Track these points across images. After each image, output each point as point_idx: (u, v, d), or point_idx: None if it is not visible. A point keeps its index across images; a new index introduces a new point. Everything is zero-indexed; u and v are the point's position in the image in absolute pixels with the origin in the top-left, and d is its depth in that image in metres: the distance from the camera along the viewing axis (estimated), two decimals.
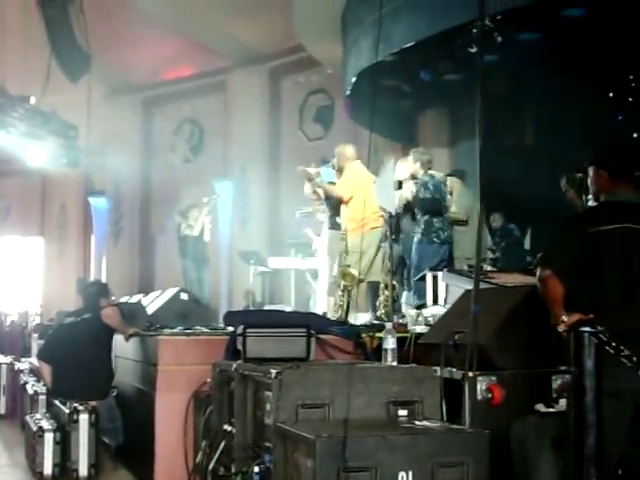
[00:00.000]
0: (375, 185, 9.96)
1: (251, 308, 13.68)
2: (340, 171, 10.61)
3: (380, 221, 10.02)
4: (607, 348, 4.01)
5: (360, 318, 9.22)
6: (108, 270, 23.93)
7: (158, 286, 17.86)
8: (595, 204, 5.04)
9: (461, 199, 11.30)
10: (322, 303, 11.69)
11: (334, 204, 10.76)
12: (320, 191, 10.91)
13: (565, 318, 4.55)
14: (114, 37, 18.39)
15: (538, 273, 4.77)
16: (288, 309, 12.04)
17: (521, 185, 12.44)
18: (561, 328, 4.53)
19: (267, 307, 13.72)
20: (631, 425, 4.50)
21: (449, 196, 10.88)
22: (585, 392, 4.04)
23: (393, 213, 9.48)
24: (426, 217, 10.29)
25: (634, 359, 4.08)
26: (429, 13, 11.43)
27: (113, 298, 9.62)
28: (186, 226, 15.73)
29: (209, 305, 14.47)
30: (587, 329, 4.12)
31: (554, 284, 4.66)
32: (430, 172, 10.55)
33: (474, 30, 4.35)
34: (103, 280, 20.87)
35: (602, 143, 5.25)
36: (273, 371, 4.58)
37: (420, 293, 9.73)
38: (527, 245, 13.74)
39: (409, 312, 7.64)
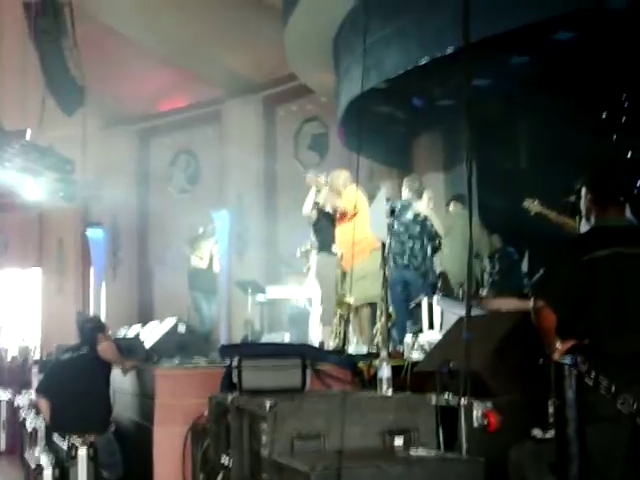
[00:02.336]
0: (369, 211, 9.98)
1: (250, 338, 13.64)
2: (339, 195, 10.64)
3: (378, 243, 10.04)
4: (585, 379, 4.01)
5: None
6: (107, 301, 23.89)
7: (157, 316, 17.81)
8: (585, 230, 5.06)
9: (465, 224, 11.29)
10: (315, 331, 11.67)
11: (325, 229, 10.80)
12: (317, 209, 10.90)
13: (559, 346, 4.55)
14: (108, 70, 18.43)
15: (531, 304, 4.78)
16: (287, 337, 12.01)
17: (517, 208, 12.45)
18: (556, 356, 4.53)
19: (266, 336, 13.69)
20: (629, 449, 4.49)
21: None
22: (567, 423, 4.03)
23: (386, 241, 9.49)
24: None
25: (612, 389, 4.07)
26: (420, 40, 11.46)
27: (110, 332, 9.60)
28: (197, 258, 15.55)
29: (211, 336, 14.42)
30: (567, 360, 4.12)
31: (547, 315, 4.67)
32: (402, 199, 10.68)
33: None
34: (102, 311, 20.92)
35: (596, 165, 5.26)
36: (267, 403, 4.57)
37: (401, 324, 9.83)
38: (525, 268, 13.73)
39: (405, 339, 7.63)
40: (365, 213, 9.93)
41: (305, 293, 13.40)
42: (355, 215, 10.10)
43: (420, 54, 11.53)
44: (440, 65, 11.21)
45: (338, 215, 10.56)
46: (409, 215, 10.54)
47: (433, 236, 10.71)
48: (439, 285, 10.96)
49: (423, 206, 10.74)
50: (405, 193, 10.83)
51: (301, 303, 14.16)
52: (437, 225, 10.70)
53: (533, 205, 9.29)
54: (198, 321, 14.88)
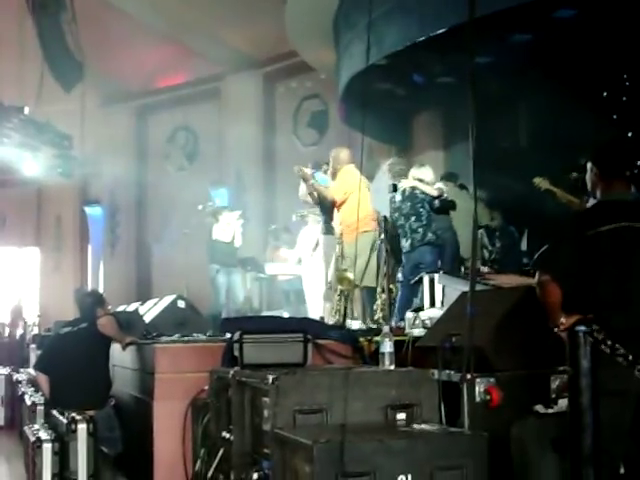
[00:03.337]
0: (371, 188, 9.97)
1: (248, 314, 13.60)
2: (334, 175, 10.60)
3: (373, 224, 10.02)
4: (602, 347, 3.99)
5: (352, 325, 9.18)
6: (105, 278, 23.93)
7: (155, 293, 17.83)
8: (591, 204, 5.04)
9: (457, 202, 11.30)
10: (315, 309, 11.67)
11: (327, 209, 10.77)
12: (314, 193, 10.87)
13: (564, 320, 4.53)
14: (107, 45, 18.36)
15: (536, 278, 4.76)
16: (286, 315, 12.01)
17: (517, 186, 12.44)
18: (560, 330, 4.52)
19: (265, 313, 13.67)
20: (633, 424, 4.49)
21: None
22: (581, 392, 4.01)
23: (388, 217, 9.47)
24: None
25: (630, 357, 4.06)
26: (421, 16, 11.42)
27: (110, 307, 9.57)
28: (219, 230, 15.27)
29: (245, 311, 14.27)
30: (582, 328, 4.10)
31: (552, 288, 4.65)
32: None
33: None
34: (100, 289, 20.88)
35: (598, 143, 5.24)
36: (270, 377, 4.56)
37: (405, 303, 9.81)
38: (524, 246, 13.74)
39: (406, 315, 7.62)
40: (358, 194, 9.94)
41: (302, 270, 13.42)
42: (344, 202, 10.14)
43: (420, 30, 11.50)
44: (440, 42, 11.18)
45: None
46: (397, 197, 10.53)
47: (429, 200, 10.63)
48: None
49: (406, 182, 10.69)
50: (389, 177, 10.80)
51: (290, 278, 14.21)
52: (426, 189, 10.63)
53: (543, 182, 9.64)
54: (214, 296, 14.79)
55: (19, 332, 19.79)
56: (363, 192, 9.92)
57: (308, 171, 10.67)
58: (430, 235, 10.42)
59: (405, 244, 10.40)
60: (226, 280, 14.86)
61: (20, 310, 22.91)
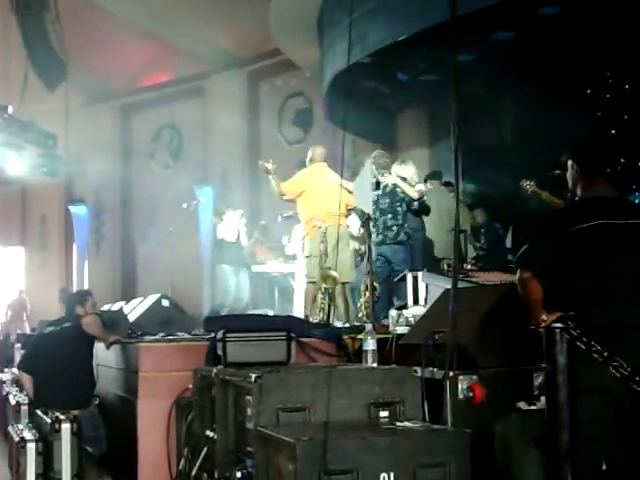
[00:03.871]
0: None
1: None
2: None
3: (334, 219, 9.96)
4: (578, 344, 4.00)
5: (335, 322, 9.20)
6: (90, 278, 23.86)
7: (140, 292, 17.81)
8: (573, 201, 5.05)
9: (441, 200, 11.34)
10: (301, 306, 11.66)
11: None
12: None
13: (545, 317, 4.53)
14: (91, 44, 18.33)
15: (517, 275, 4.76)
16: (271, 313, 11.99)
17: (501, 183, 12.47)
18: (541, 328, 4.52)
19: (250, 311, 13.65)
20: (614, 421, 4.50)
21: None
22: (558, 389, 4.01)
23: (371, 214, 9.47)
24: None
25: (605, 354, 4.06)
26: (405, 14, 11.44)
27: (95, 304, 9.51)
28: (224, 229, 15.20)
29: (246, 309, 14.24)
30: (559, 325, 4.10)
31: (534, 286, 4.65)
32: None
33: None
34: (86, 288, 20.81)
35: (580, 140, 5.25)
36: (253, 375, 4.55)
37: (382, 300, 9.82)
38: (509, 244, 13.77)
39: (390, 313, 7.62)
40: (316, 193, 10.01)
41: (291, 269, 13.41)
42: (299, 197, 10.35)
43: (404, 28, 11.51)
44: (424, 40, 11.19)
45: None
46: (378, 191, 10.56)
47: (408, 201, 10.63)
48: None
49: (390, 178, 10.71)
50: (373, 169, 10.85)
51: (276, 275, 14.23)
52: (408, 190, 10.63)
53: (530, 185, 9.89)
54: (222, 295, 14.76)
55: (26, 326, 19.78)
56: (324, 188, 10.01)
57: (269, 165, 10.68)
58: (402, 235, 10.47)
59: (375, 238, 10.41)
60: (235, 280, 14.86)
61: (24, 303, 22.97)
